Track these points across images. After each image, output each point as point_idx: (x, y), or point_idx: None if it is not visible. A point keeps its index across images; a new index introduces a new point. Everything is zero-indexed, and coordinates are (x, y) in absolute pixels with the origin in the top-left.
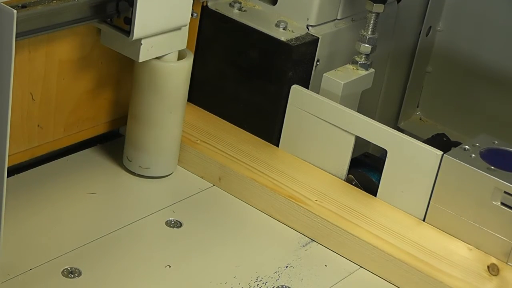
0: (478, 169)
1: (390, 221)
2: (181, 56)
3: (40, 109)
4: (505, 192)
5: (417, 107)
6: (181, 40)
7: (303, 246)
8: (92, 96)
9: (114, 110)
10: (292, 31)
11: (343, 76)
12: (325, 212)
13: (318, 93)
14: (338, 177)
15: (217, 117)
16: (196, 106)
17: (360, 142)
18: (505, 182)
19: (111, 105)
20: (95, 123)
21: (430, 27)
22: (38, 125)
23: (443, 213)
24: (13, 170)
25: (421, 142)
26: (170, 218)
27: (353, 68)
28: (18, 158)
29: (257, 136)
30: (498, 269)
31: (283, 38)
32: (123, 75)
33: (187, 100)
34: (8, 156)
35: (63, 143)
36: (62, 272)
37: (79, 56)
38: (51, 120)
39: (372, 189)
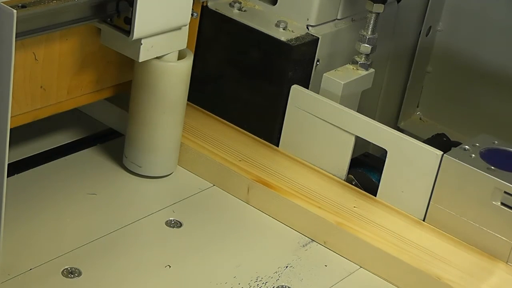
0: (478, 169)
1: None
2: (181, 56)
3: (43, 70)
4: (505, 192)
5: (417, 107)
6: (181, 40)
7: (303, 246)
8: (96, 59)
9: (119, 74)
10: (292, 31)
11: (343, 76)
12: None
13: (318, 93)
14: (338, 177)
15: (217, 117)
16: (196, 106)
17: (360, 142)
18: (505, 182)
19: (116, 69)
20: (99, 87)
21: (430, 27)
22: (41, 87)
23: (443, 213)
24: (13, 170)
25: (421, 142)
26: (170, 218)
27: (353, 68)
28: (20, 119)
29: (257, 136)
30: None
31: (283, 38)
32: None
33: (187, 100)
34: (11, 117)
35: (66, 106)
36: (62, 272)
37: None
38: (54, 82)
39: (372, 189)
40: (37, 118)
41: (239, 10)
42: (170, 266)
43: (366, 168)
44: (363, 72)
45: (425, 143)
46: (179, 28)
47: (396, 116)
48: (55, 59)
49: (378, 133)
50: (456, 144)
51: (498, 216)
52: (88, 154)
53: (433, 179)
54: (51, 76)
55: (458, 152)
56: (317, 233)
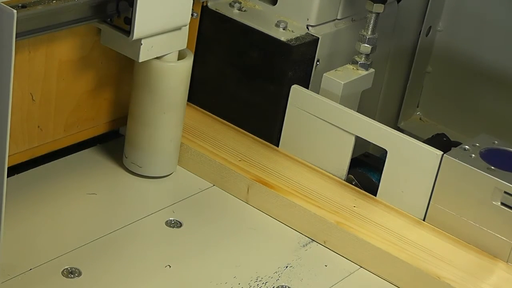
0: (478, 169)
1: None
2: (181, 56)
3: (40, 110)
4: (505, 192)
5: (417, 107)
6: (181, 40)
7: (303, 246)
8: (92, 96)
9: (114, 110)
10: (292, 31)
11: (343, 76)
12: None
13: (318, 93)
14: (338, 177)
15: (217, 117)
16: (196, 106)
17: (360, 142)
18: (505, 182)
19: (111, 105)
20: (95, 123)
21: (430, 27)
22: (38, 126)
23: (443, 213)
24: (13, 170)
25: (421, 142)
26: (170, 218)
27: (353, 68)
28: (18, 158)
29: (257, 136)
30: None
31: (283, 38)
32: (123, 75)
33: (187, 100)
34: (8, 156)
35: (63, 143)
36: (62, 272)
37: (79, 56)
38: (51, 121)
39: (372, 189)
40: (34, 156)
41: (239, 10)
42: (170, 266)
43: (366, 168)
44: (363, 72)
45: (425, 143)
46: (179, 28)
47: (396, 116)
48: (51, 99)
49: (378, 133)
50: (456, 144)
51: (498, 216)
52: (88, 154)
53: (433, 179)
54: (48, 115)
55: (458, 152)
56: (317, 233)
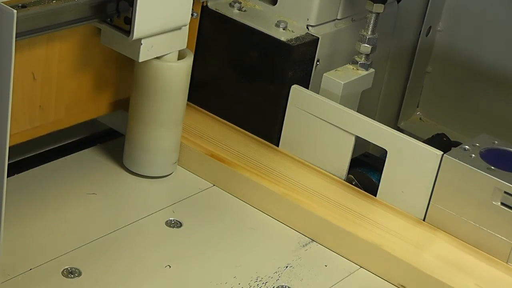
0: (478, 169)
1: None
2: (181, 56)
3: (41, 89)
4: (505, 192)
5: (417, 107)
6: (181, 40)
7: (303, 246)
8: (95, 78)
9: (116, 91)
10: (292, 31)
11: (343, 76)
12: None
13: (318, 93)
14: (338, 177)
15: (217, 117)
16: (196, 106)
17: (360, 142)
18: (505, 182)
19: (113, 87)
20: (97, 104)
21: (430, 27)
22: (40, 106)
23: (443, 213)
24: (13, 170)
25: (421, 142)
26: (170, 218)
27: (353, 68)
28: (19, 138)
29: (257, 136)
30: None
31: (283, 38)
32: (125, 56)
33: (187, 100)
34: (10, 136)
35: (64, 123)
36: (62, 272)
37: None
38: (52, 101)
39: (372, 189)
40: (35, 136)
41: (239, 10)
42: (170, 266)
43: (366, 168)
44: (363, 72)
45: (425, 143)
46: (179, 28)
47: (396, 116)
48: (53, 78)
49: (378, 133)
50: (456, 144)
51: (498, 216)
52: (88, 154)
53: (433, 179)
54: (49, 95)
55: (458, 152)
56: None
